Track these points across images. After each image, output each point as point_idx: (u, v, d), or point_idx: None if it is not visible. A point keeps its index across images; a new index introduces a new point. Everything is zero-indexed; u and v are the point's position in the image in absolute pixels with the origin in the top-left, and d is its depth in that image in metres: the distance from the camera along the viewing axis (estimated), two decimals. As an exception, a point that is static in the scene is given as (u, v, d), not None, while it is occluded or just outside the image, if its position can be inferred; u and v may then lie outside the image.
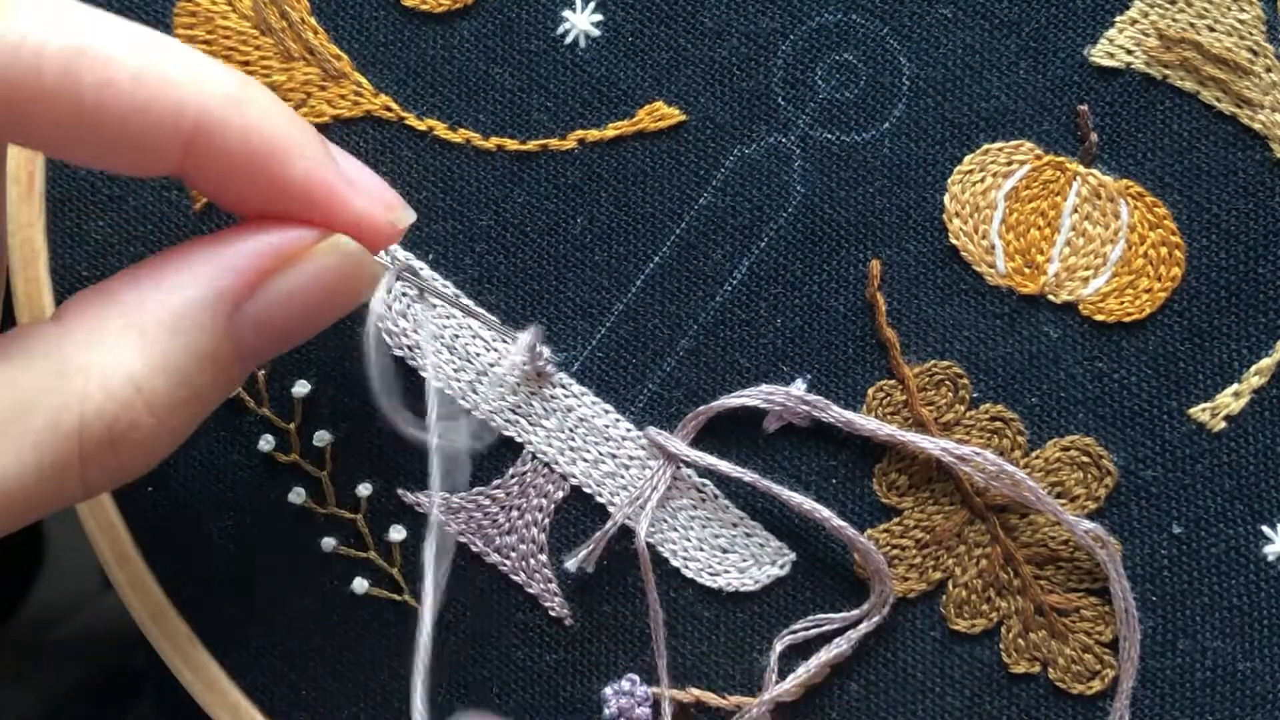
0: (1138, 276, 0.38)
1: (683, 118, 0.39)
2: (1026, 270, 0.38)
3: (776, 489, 0.37)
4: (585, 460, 0.39)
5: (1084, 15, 0.38)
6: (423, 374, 0.39)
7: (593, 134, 0.39)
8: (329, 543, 0.39)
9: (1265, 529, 0.37)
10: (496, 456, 0.39)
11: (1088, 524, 0.37)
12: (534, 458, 0.39)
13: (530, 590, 0.38)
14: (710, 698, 0.38)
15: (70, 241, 0.39)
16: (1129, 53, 0.38)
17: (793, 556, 0.38)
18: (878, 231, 0.38)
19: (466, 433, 0.37)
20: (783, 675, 0.38)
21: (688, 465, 0.38)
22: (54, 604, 0.57)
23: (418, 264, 0.39)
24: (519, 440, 0.39)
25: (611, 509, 0.38)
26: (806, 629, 0.38)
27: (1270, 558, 0.37)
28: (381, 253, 0.39)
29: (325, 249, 0.31)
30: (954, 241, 0.38)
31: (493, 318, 0.38)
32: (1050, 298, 0.38)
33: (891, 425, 0.38)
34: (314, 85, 0.39)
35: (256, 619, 0.39)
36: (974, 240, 0.38)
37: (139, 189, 0.39)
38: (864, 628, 0.38)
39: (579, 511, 0.39)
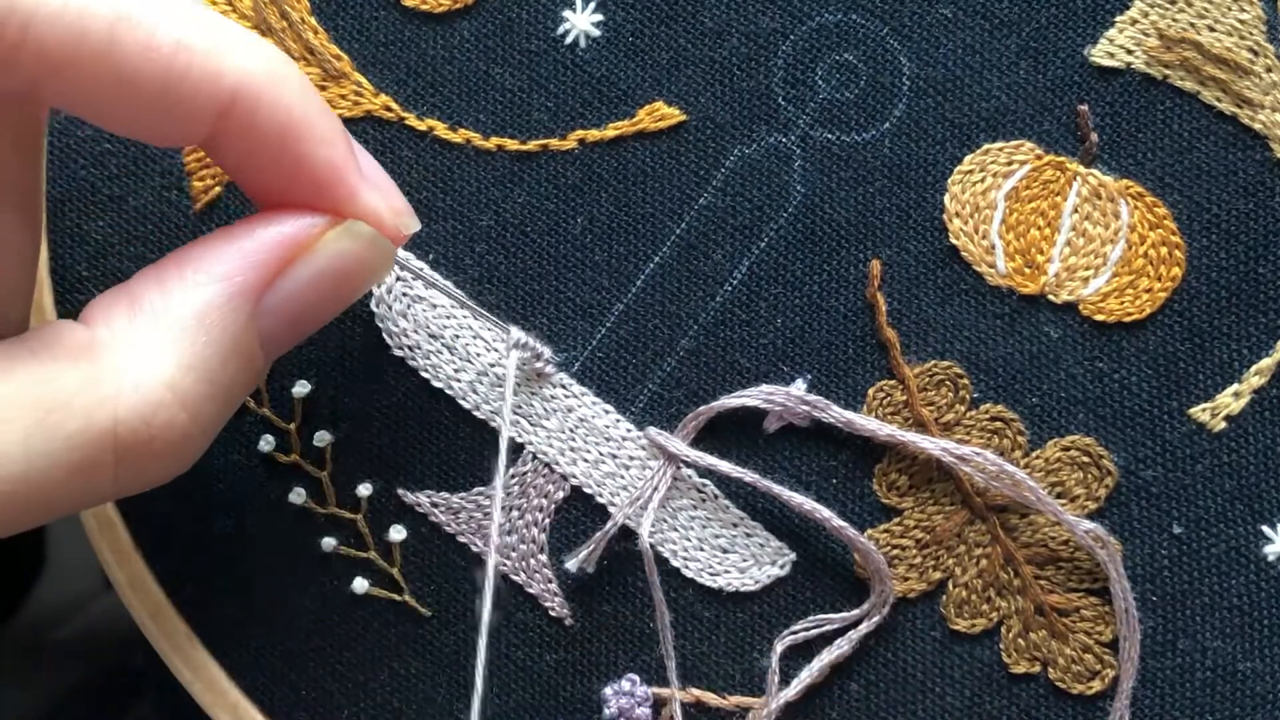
0: (1138, 276, 0.38)
1: (683, 118, 0.39)
2: (1027, 270, 0.38)
3: (776, 489, 0.37)
4: (585, 460, 0.39)
5: (1084, 15, 0.38)
6: (424, 375, 0.39)
7: (593, 134, 0.39)
8: (329, 543, 0.39)
9: (1265, 529, 0.37)
10: (497, 457, 0.39)
11: (1088, 524, 0.37)
12: (534, 458, 0.39)
13: (530, 590, 0.38)
14: (710, 698, 0.38)
15: (70, 241, 0.39)
16: (1129, 53, 0.38)
17: (793, 556, 0.38)
18: (878, 231, 0.38)
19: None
20: (784, 676, 0.38)
21: (688, 465, 0.38)
22: (54, 604, 0.57)
23: (417, 263, 0.39)
24: (519, 440, 0.39)
25: (612, 509, 0.38)
26: (807, 629, 0.38)
27: (1270, 558, 0.37)
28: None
29: (339, 234, 0.31)
30: (954, 241, 0.38)
31: (483, 312, 0.38)
32: (1050, 298, 0.38)
33: (891, 425, 0.38)
34: (314, 85, 0.39)
35: (256, 619, 0.39)
36: (974, 240, 0.38)
37: (139, 189, 0.39)
38: (864, 628, 0.38)
39: (579, 511, 0.39)
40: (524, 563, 0.38)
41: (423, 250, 0.39)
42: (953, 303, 0.38)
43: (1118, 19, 0.38)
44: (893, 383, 0.38)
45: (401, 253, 0.38)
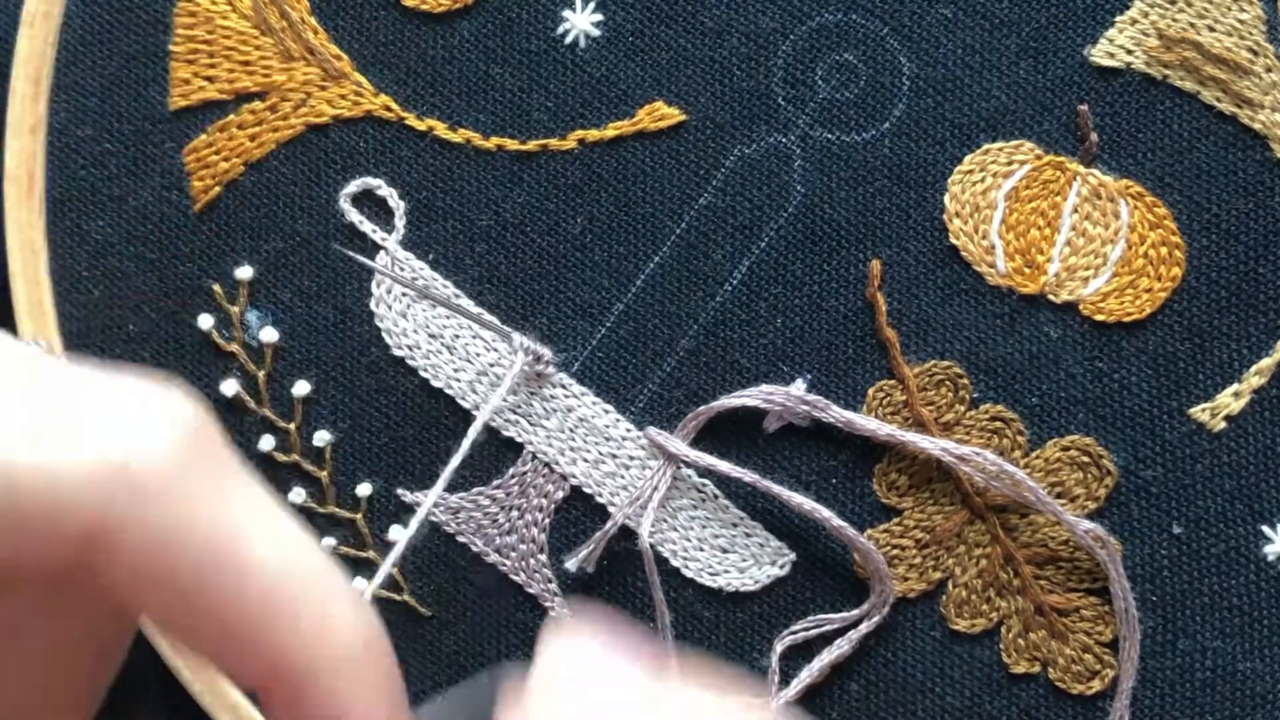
0: (1138, 276, 0.38)
1: (683, 118, 0.39)
2: (1027, 270, 0.38)
3: (776, 489, 0.37)
4: (585, 460, 0.39)
5: (1084, 15, 0.38)
6: (424, 374, 0.39)
7: (593, 134, 0.39)
8: (329, 543, 0.39)
9: (1265, 529, 0.37)
10: (496, 456, 0.39)
11: (1087, 524, 0.37)
12: (534, 458, 0.39)
13: (530, 590, 0.38)
14: (710, 698, 0.38)
15: (70, 241, 0.39)
16: (1129, 53, 0.38)
17: (793, 556, 0.38)
18: (878, 231, 0.38)
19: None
20: (784, 676, 0.38)
21: (688, 465, 0.38)
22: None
23: (417, 263, 0.39)
24: (519, 440, 0.39)
25: (612, 509, 0.38)
26: (807, 629, 0.38)
27: (1270, 558, 0.37)
28: (380, 254, 0.39)
29: None
30: (954, 241, 0.38)
31: (480, 313, 0.38)
32: (1050, 298, 0.38)
33: (891, 425, 0.38)
34: (314, 85, 0.39)
35: (256, 619, 0.39)
36: (974, 240, 0.38)
37: (139, 189, 0.39)
38: (864, 628, 0.38)
39: (579, 511, 0.39)
40: (524, 563, 0.38)
41: (422, 250, 0.39)
42: (953, 303, 0.38)
43: (1118, 19, 0.38)
44: (893, 383, 0.38)
45: (401, 252, 0.38)
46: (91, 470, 0.21)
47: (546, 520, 0.38)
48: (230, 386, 0.39)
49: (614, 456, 0.38)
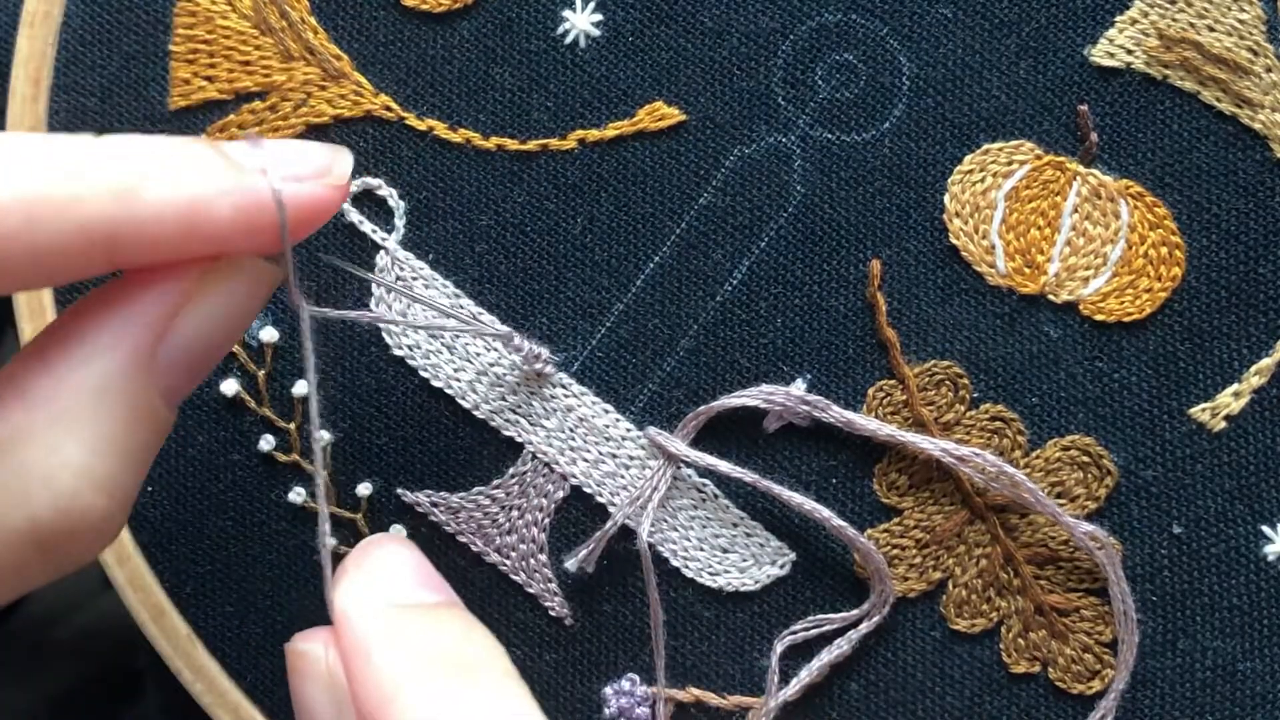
0: (1138, 276, 0.38)
1: (683, 118, 0.39)
2: (1027, 270, 0.38)
3: (776, 489, 0.37)
4: (585, 460, 0.39)
5: (1084, 15, 0.38)
6: (424, 374, 0.39)
7: (593, 134, 0.39)
8: (329, 543, 0.39)
9: (1265, 529, 0.37)
10: (496, 456, 0.39)
11: (1086, 525, 0.37)
12: (534, 458, 0.39)
13: (530, 590, 0.38)
14: (710, 698, 0.38)
15: (70, 241, 0.39)
16: (1129, 53, 0.38)
17: (793, 556, 0.38)
18: (878, 231, 0.38)
19: None
20: (784, 676, 0.38)
21: (688, 465, 0.38)
22: (54, 604, 0.57)
23: (419, 262, 0.39)
24: (519, 440, 0.39)
25: (612, 509, 0.38)
26: (807, 630, 0.38)
27: (1270, 558, 0.37)
28: (380, 254, 0.39)
29: (219, 271, 0.30)
30: (954, 241, 0.38)
31: (469, 318, 0.38)
32: (1050, 298, 0.38)
33: (891, 425, 0.38)
34: (314, 85, 0.39)
35: (256, 619, 0.39)
36: (974, 240, 0.38)
37: (139, 189, 0.39)
38: (864, 628, 0.38)
39: (579, 511, 0.39)
40: (524, 563, 0.38)
41: (422, 250, 0.39)
42: (953, 303, 0.38)
43: (1118, 19, 0.38)
44: (893, 383, 0.38)
45: (401, 252, 0.38)
46: None
47: (546, 520, 0.39)
48: (230, 386, 0.39)
49: (614, 456, 0.38)
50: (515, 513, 0.39)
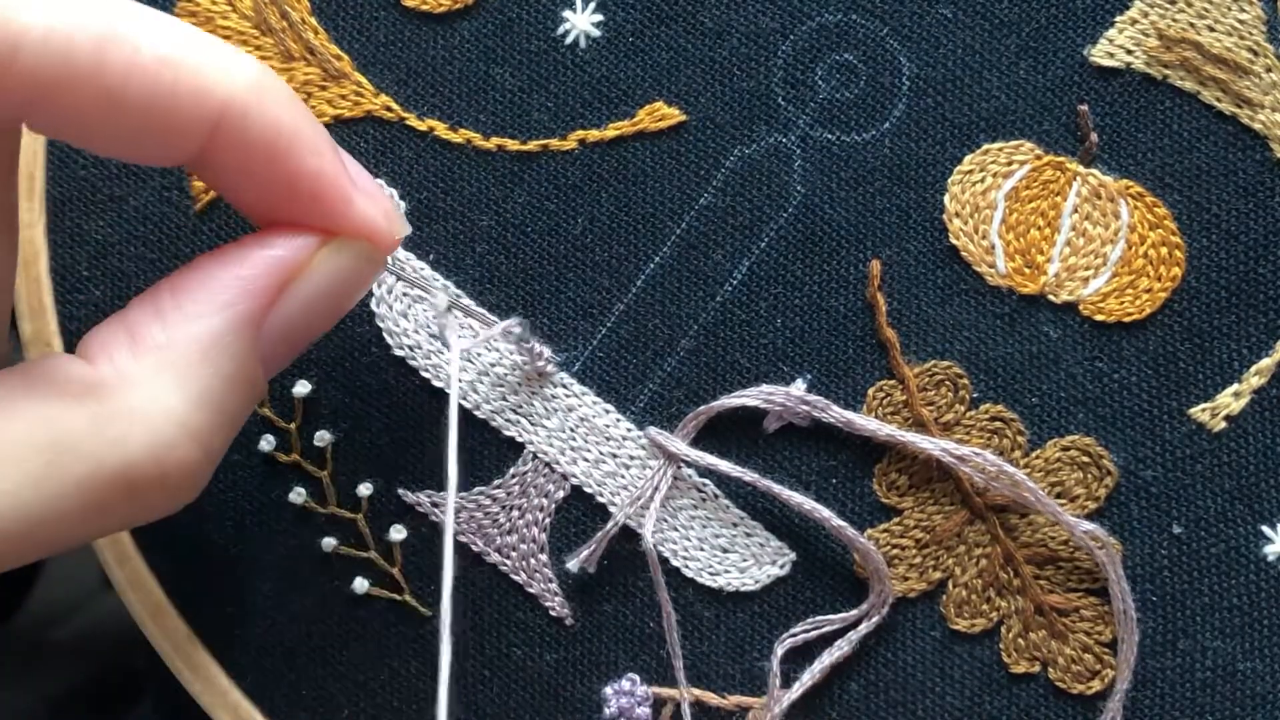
0: (1138, 276, 0.38)
1: (683, 118, 0.39)
2: (1026, 270, 0.38)
3: (776, 489, 0.37)
4: (586, 460, 0.39)
5: (1084, 15, 0.38)
6: (425, 374, 0.39)
7: (593, 134, 0.39)
8: (329, 543, 0.39)
9: (1265, 529, 0.37)
10: (497, 456, 0.39)
11: (1087, 525, 0.37)
12: (535, 457, 0.39)
13: (530, 590, 0.38)
14: (710, 698, 0.38)
15: (70, 241, 0.39)
16: (1129, 53, 0.38)
17: (793, 556, 0.38)
18: (878, 231, 0.38)
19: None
20: (784, 678, 0.38)
21: (688, 465, 0.38)
22: (54, 604, 0.57)
23: (417, 263, 0.39)
24: (520, 440, 0.39)
25: (612, 509, 0.38)
26: (807, 631, 0.38)
27: (1270, 558, 0.37)
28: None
29: (332, 252, 0.31)
30: (954, 241, 0.38)
31: (483, 312, 0.38)
32: (1050, 298, 0.38)
33: (891, 425, 0.38)
34: (314, 85, 0.39)
35: (256, 619, 0.39)
36: (974, 240, 0.38)
37: (139, 189, 0.39)
38: (864, 628, 0.38)
39: (580, 511, 0.39)
40: (524, 563, 0.38)
41: (423, 250, 0.39)
42: (953, 303, 0.38)
43: (1118, 19, 0.38)
44: (893, 383, 0.38)
45: (401, 252, 0.39)
46: None
47: (547, 520, 0.39)
48: (230, 386, 0.39)
49: (614, 456, 0.38)
50: (516, 513, 0.39)
